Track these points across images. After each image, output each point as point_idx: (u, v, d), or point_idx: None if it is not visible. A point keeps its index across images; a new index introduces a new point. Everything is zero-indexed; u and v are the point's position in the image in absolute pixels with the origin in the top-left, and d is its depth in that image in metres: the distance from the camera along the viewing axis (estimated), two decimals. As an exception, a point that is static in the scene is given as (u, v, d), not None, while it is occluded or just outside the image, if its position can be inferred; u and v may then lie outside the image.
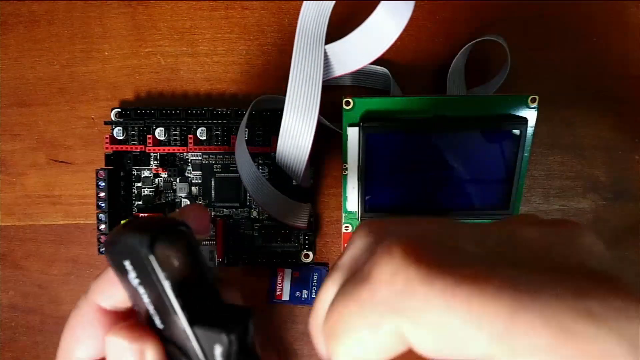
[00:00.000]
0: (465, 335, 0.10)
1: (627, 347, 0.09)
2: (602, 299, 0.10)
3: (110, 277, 0.17)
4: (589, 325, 0.09)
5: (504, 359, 0.10)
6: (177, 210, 0.23)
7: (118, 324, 0.16)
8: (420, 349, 0.11)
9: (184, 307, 0.15)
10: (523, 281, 0.10)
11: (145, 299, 0.15)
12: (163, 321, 0.15)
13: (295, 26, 0.26)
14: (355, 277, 0.13)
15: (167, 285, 0.14)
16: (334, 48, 0.26)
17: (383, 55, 0.26)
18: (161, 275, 0.14)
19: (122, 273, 0.15)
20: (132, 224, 0.15)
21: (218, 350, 0.15)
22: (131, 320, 0.16)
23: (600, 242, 0.12)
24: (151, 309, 0.15)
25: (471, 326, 0.10)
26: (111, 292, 0.17)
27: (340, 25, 0.28)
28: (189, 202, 0.30)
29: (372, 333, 0.11)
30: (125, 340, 0.16)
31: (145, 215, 0.29)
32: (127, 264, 0.15)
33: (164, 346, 0.16)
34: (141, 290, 0.15)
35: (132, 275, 0.15)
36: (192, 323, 0.15)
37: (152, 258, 0.14)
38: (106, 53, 0.31)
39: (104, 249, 0.15)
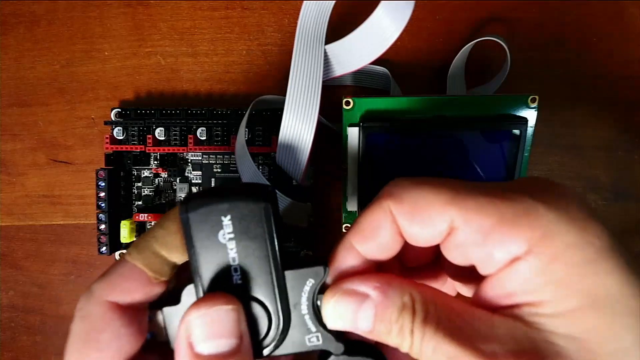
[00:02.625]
0: (430, 203, 0.15)
1: (523, 209, 0.14)
2: (518, 197, 0.15)
3: (123, 271, 0.16)
4: (508, 203, 0.14)
5: (460, 220, 0.14)
6: None
7: (194, 303, 0.15)
8: (402, 223, 0.15)
9: (281, 256, 0.16)
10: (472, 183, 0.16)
11: (232, 254, 0.16)
12: (248, 274, 0.16)
13: (295, 26, 0.26)
14: None
15: (274, 236, 0.16)
16: (334, 48, 0.26)
17: (383, 55, 0.26)
18: (272, 227, 0.16)
19: (210, 231, 0.15)
20: (224, 189, 0.16)
21: (309, 284, 0.16)
22: (206, 295, 0.16)
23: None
24: (235, 263, 0.16)
25: (433, 196, 0.15)
26: (129, 286, 0.16)
27: (340, 25, 0.28)
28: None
29: (370, 214, 0.16)
30: (224, 305, 0.15)
31: (147, 214, 0.29)
32: (227, 219, 0.15)
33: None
34: (230, 245, 0.16)
35: (226, 230, 0.16)
36: (283, 268, 0.16)
37: (269, 213, 0.15)
38: (106, 53, 0.31)
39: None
